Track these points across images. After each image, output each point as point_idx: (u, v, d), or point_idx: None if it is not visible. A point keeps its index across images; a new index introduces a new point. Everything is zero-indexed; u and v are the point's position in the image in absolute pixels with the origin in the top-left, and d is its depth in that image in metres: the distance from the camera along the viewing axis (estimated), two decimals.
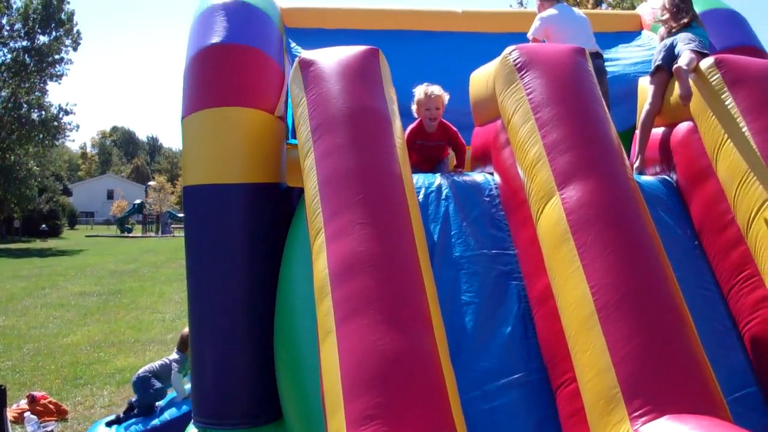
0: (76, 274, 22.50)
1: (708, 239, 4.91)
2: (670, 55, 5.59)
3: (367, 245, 3.80)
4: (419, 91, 5.70)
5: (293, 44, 6.70)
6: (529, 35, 6.23)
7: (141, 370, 7.27)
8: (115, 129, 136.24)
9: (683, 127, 5.25)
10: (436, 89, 5.68)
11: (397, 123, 4.57)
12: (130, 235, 58.24)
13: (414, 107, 5.76)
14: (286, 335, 4.77)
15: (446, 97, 5.69)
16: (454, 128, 5.87)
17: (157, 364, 7.31)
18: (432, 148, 5.88)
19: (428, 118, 5.71)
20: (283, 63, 5.87)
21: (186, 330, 6.26)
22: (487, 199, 5.05)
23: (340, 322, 3.58)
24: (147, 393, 7.06)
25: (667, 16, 5.97)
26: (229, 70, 5.30)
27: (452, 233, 4.82)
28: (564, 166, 4.19)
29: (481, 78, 5.40)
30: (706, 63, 5.03)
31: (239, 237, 5.17)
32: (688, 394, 3.39)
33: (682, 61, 5.21)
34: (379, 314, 3.54)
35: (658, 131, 5.62)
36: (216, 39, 5.36)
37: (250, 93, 5.29)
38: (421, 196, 4.92)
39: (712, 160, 4.85)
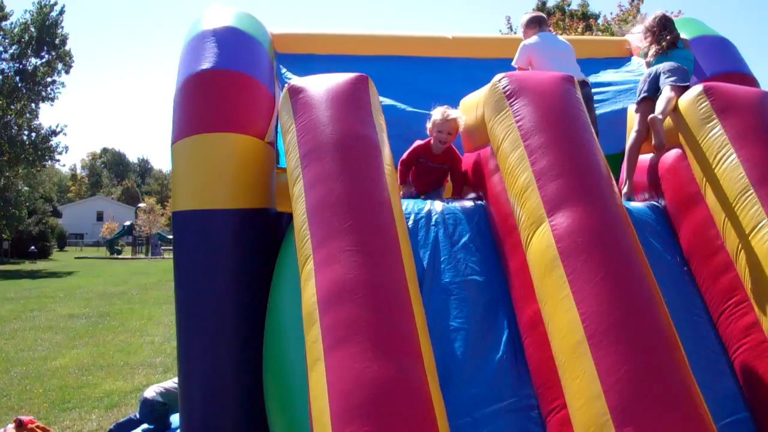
0: (65, 296, 22.37)
1: (697, 265, 4.93)
2: (655, 85, 5.66)
3: (355, 272, 3.78)
4: (437, 112, 5.74)
5: (284, 70, 6.72)
6: (514, 63, 6.29)
7: (148, 392, 7.28)
8: (105, 150, 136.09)
9: (672, 153, 5.29)
10: (453, 113, 5.70)
11: (386, 150, 4.57)
12: (119, 256, 58.01)
13: (428, 125, 5.80)
14: (275, 362, 4.75)
15: (462, 123, 5.68)
16: (460, 156, 5.89)
17: (169, 385, 7.30)
18: (432, 169, 5.90)
19: (438, 141, 5.74)
20: (273, 89, 5.87)
21: None
22: (477, 224, 5.06)
23: (329, 349, 3.56)
24: (148, 416, 7.09)
25: (650, 38, 6.05)
26: (219, 96, 5.30)
27: (441, 259, 4.83)
28: (553, 193, 4.19)
29: (471, 104, 5.42)
30: (694, 90, 5.07)
31: (228, 262, 5.14)
32: (679, 421, 3.38)
33: (658, 108, 5.28)
34: (367, 342, 3.52)
35: (646, 157, 5.66)
36: (206, 65, 5.37)
37: (241, 119, 5.29)
38: (410, 222, 4.93)
39: (701, 186, 4.88)
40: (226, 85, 5.34)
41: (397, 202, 4.35)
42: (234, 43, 5.65)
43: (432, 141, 5.79)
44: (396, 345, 3.58)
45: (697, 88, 5.07)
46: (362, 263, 3.83)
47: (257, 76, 5.56)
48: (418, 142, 5.87)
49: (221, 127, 5.19)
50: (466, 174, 5.76)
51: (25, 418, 7.85)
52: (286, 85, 4.92)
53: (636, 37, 6.57)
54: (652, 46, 6.04)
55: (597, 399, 3.47)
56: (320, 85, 4.76)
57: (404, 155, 5.84)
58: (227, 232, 5.15)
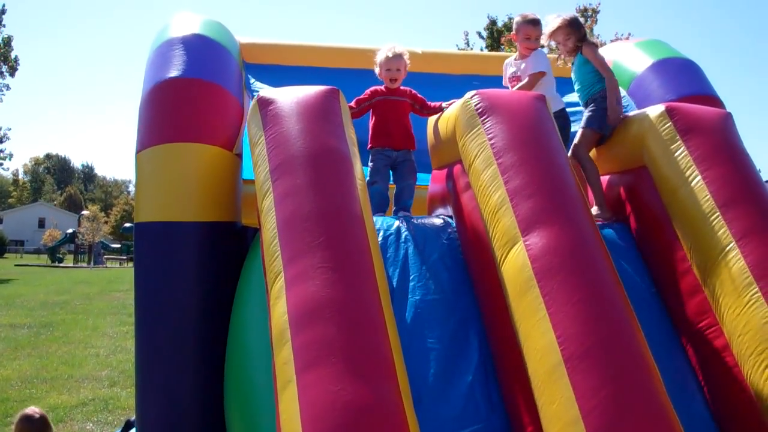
0: (5, 304, 21.75)
1: (665, 287, 4.92)
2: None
3: (329, 290, 3.68)
4: (381, 52, 5.70)
5: (252, 80, 6.62)
6: (538, 69, 5.88)
7: None
8: (48, 156, 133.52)
9: (638, 173, 5.28)
10: (398, 48, 5.66)
11: (357, 164, 4.49)
12: (61, 265, 56.82)
13: (377, 69, 5.74)
14: (238, 381, 4.63)
15: (407, 58, 5.69)
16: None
17: None
18: (392, 102, 5.70)
19: (389, 79, 5.67)
20: (242, 98, 5.78)
21: None
22: (447, 242, 5.01)
23: (301, 371, 3.45)
24: None
25: (574, 35, 5.95)
26: (186, 105, 5.18)
27: (411, 277, 4.75)
28: (527, 212, 4.15)
29: (441, 121, 5.38)
30: (657, 111, 5.09)
31: (191, 276, 5.02)
32: None
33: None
34: (341, 363, 3.42)
35: (610, 178, 5.65)
36: (174, 73, 5.25)
37: (208, 129, 5.18)
38: (380, 239, 4.84)
39: (667, 207, 4.87)
40: (194, 94, 5.23)
41: (369, 218, 4.27)
42: (202, 51, 5.54)
43: (384, 83, 5.71)
44: (371, 366, 3.49)
45: (659, 108, 5.09)
46: (336, 281, 3.73)
47: (226, 85, 5.46)
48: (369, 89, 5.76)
49: (188, 137, 5.07)
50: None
51: None
52: (255, 96, 4.82)
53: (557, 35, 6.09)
54: (570, 43, 5.97)
55: (575, 424, 3.41)
56: (290, 97, 4.65)
57: (361, 95, 5.73)
58: (191, 245, 5.03)
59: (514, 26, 6.23)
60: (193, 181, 5.05)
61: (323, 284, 3.71)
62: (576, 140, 5.75)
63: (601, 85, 5.78)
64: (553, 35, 6.02)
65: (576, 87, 6.03)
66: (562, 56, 6.13)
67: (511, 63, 6.21)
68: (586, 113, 5.81)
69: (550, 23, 6.01)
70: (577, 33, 5.97)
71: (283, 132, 4.44)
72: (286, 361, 3.54)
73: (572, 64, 6.05)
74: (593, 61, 5.86)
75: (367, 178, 5.47)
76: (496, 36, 29.90)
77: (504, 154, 4.44)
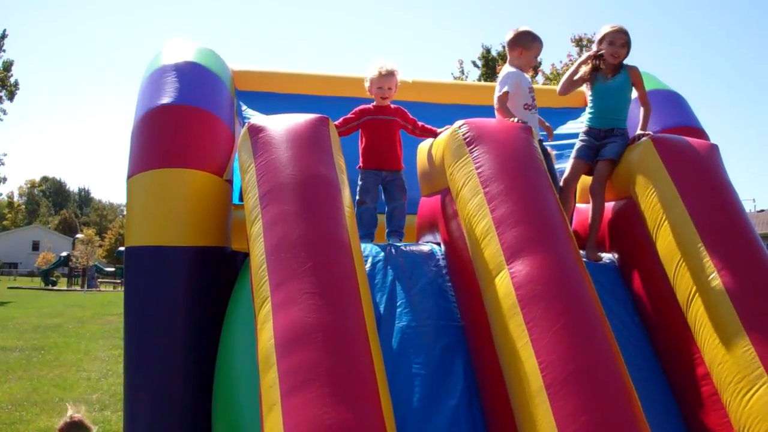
0: None
1: (648, 316, 4.96)
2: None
3: (314, 315, 3.75)
4: (373, 68, 5.70)
5: (244, 107, 6.69)
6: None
7: None
8: (45, 179, 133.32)
9: (623, 204, 5.35)
10: (389, 65, 5.68)
11: (346, 191, 4.57)
12: (54, 288, 56.56)
13: (366, 84, 5.76)
14: (226, 404, 4.65)
15: (399, 76, 5.72)
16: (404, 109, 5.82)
17: None
18: (381, 122, 5.71)
19: (380, 97, 5.71)
20: (233, 125, 5.84)
21: None
22: (434, 269, 5.07)
23: (286, 394, 3.51)
24: None
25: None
26: (177, 132, 5.26)
27: (398, 303, 4.81)
28: (512, 240, 4.21)
29: (430, 148, 5.45)
30: (643, 142, 5.15)
31: (181, 300, 5.07)
32: None
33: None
34: (326, 387, 3.48)
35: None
36: (166, 100, 5.32)
37: (199, 155, 5.25)
38: (368, 265, 4.90)
39: (651, 237, 4.92)
40: (186, 121, 5.31)
41: (357, 244, 4.34)
42: (195, 78, 5.63)
43: (375, 100, 5.75)
44: (355, 390, 3.55)
45: (646, 141, 5.15)
46: (321, 306, 3.80)
47: (217, 112, 5.53)
48: (359, 107, 5.76)
49: (179, 163, 5.14)
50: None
51: None
52: (246, 123, 4.89)
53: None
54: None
55: None
56: (281, 125, 4.74)
57: (349, 114, 5.73)
58: (181, 269, 5.08)
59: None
60: (183, 207, 5.11)
61: (309, 309, 3.77)
62: (598, 174, 5.52)
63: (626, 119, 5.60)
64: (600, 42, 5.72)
65: (600, 107, 5.69)
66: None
67: None
68: (612, 146, 5.52)
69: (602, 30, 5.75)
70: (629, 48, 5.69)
71: (273, 159, 4.52)
72: (272, 385, 3.60)
73: (597, 83, 5.70)
74: (639, 88, 5.70)
75: (357, 197, 5.55)
76: (491, 65, 30.08)
77: (490, 183, 4.50)
